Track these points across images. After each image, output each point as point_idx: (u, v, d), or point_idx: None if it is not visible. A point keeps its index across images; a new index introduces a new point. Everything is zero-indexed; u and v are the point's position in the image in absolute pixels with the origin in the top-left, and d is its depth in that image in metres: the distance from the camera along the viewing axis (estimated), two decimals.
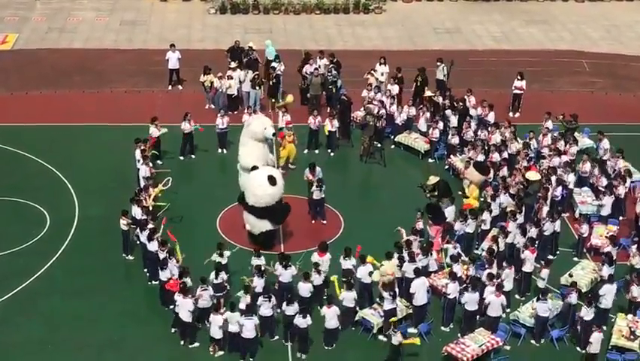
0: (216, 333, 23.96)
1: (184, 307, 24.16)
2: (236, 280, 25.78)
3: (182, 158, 33.08)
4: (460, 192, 30.49)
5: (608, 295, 25.02)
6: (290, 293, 25.02)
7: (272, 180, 27.66)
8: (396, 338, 23.58)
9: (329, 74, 36.26)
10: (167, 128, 32.46)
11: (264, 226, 27.88)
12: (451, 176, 31.94)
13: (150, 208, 28.21)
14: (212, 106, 36.20)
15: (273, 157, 31.32)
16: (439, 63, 37.11)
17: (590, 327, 24.08)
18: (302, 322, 23.92)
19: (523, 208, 28.43)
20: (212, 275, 25.22)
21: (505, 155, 31.53)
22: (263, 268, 25.38)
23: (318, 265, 25.50)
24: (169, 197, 29.57)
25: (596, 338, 23.69)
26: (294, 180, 31.03)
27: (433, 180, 29.44)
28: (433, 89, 36.21)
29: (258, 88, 35.99)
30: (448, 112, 33.90)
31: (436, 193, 29.11)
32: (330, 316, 24.29)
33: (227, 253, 26.16)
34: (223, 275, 25.36)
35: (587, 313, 24.25)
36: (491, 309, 24.67)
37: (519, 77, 36.60)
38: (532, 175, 29.72)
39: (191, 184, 31.51)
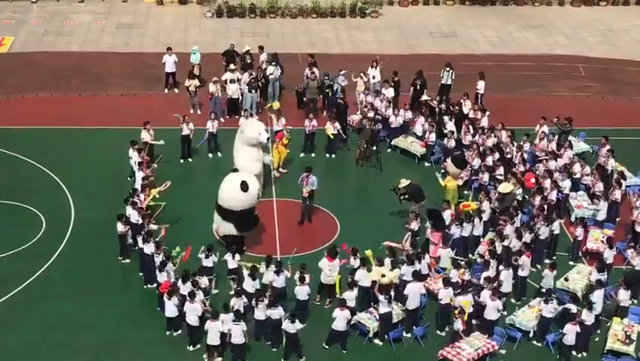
0: (214, 340, 23.84)
1: (192, 312, 24.10)
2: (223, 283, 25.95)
3: (182, 161, 33.10)
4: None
5: (599, 300, 25.05)
6: (275, 297, 24.90)
7: (244, 186, 27.38)
8: (457, 325, 23.90)
9: (325, 77, 36.30)
10: (163, 135, 32.42)
11: (228, 229, 27.70)
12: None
13: (144, 208, 28.15)
14: (200, 112, 36.18)
15: (270, 157, 31.30)
16: (448, 69, 37.05)
17: (589, 332, 24.24)
18: (290, 327, 23.81)
19: (519, 212, 28.51)
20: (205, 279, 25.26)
21: (497, 155, 31.51)
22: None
23: (304, 267, 25.32)
24: (166, 198, 29.54)
25: (569, 329, 23.89)
26: (287, 183, 31.09)
27: (404, 182, 29.57)
28: (430, 93, 36.24)
29: (254, 91, 36.01)
30: (446, 118, 33.94)
31: (407, 196, 29.28)
32: (341, 318, 24.26)
33: (213, 258, 26.11)
34: (204, 279, 25.33)
35: (588, 317, 24.26)
36: (487, 312, 24.69)
37: (479, 77, 36.61)
38: (505, 187, 29.55)
39: (187, 187, 31.44)
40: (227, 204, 27.57)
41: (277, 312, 24.18)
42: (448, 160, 31.31)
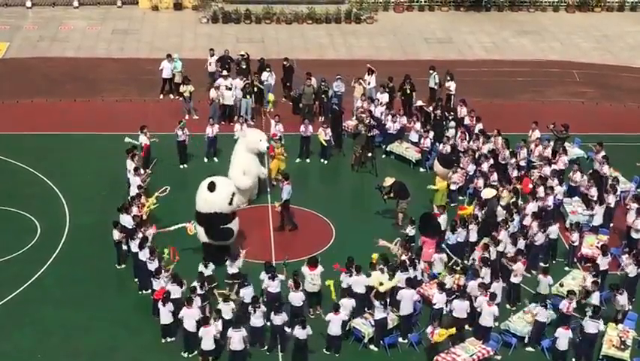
0: (209, 345, 23.76)
1: (190, 318, 24.01)
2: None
3: (182, 166, 33.14)
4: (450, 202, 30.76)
5: (597, 302, 25.02)
6: (278, 302, 24.87)
7: (211, 187, 27.39)
8: (428, 330, 23.95)
9: (322, 83, 36.33)
10: (157, 138, 32.44)
11: (200, 233, 27.56)
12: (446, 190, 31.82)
13: (144, 217, 28.14)
14: (196, 117, 36.19)
15: (265, 170, 31.24)
16: (431, 71, 37.24)
17: (591, 340, 24.27)
18: (301, 333, 23.75)
19: (516, 217, 28.52)
20: (197, 285, 25.16)
21: (491, 162, 31.54)
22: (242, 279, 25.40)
23: (296, 274, 25.28)
24: (163, 203, 29.42)
25: (561, 333, 23.90)
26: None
27: (389, 181, 29.75)
28: (423, 98, 36.32)
29: (248, 97, 36.03)
30: (452, 124, 33.94)
31: (391, 195, 29.49)
32: (336, 323, 24.26)
33: (211, 267, 26.00)
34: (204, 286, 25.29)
35: (590, 327, 24.19)
36: (482, 318, 24.68)
37: (449, 78, 36.69)
38: (487, 193, 29.47)
39: (183, 192, 31.27)
40: (197, 205, 27.56)
41: (280, 318, 24.14)
42: (435, 161, 31.46)
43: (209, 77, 37.97)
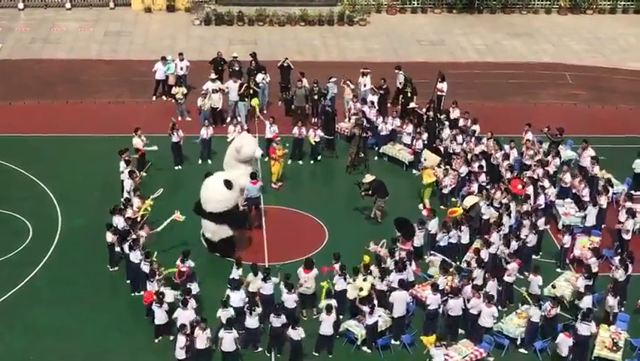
0: (202, 345, 23.69)
1: (183, 319, 23.99)
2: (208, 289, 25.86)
3: (176, 168, 33.16)
4: (442, 206, 30.82)
5: (588, 306, 25.07)
6: (275, 305, 24.86)
7: (228, 185, 27.64)
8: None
9: (314, 85, 36.28)
10: (153, 142, 32.39)
11: (224, 232, 27.80)
12: (434, 187, 31.95)
13: (138, 220, 28.09)
14: (189, 118, 36.18)
15: (261, 151, 30.50)
16: (397, 71, 37.28)
17: (584, 343, 24.29)
18: (294, 333, 23.80)
19: (510, 219, 28.56)
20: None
21: (480, 163, 31.50)
22: (239, 280, 25.36)
23: (288, 277, 25.30)
24: (156, 204, 29.37)
25: (563, 340, 23.86)
26: (281, 192, 31.13)
27: (368, 178, 29.93)
28: (416, 100, 36.40)
29: (246, 99, 35.96)
30: (447, 124, 34.01)
31: (370, 192, 29.70)
32: (328, 323, 24.27)
33: (190, 263, 26.07)
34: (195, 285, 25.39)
35: (583, 329, 24.19)
36: (482, 319, 24.66)
37: (440, 79, 36.75)
38: (469, 200, 29.47)
39: (177, 194, 31.27)
40: (217, 207, 27.52)
41: (279, 320, 24.14)
42: (425, 151, 31.66)
43: (180, 81, 37.68)
